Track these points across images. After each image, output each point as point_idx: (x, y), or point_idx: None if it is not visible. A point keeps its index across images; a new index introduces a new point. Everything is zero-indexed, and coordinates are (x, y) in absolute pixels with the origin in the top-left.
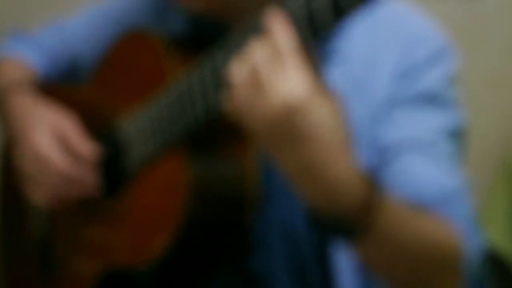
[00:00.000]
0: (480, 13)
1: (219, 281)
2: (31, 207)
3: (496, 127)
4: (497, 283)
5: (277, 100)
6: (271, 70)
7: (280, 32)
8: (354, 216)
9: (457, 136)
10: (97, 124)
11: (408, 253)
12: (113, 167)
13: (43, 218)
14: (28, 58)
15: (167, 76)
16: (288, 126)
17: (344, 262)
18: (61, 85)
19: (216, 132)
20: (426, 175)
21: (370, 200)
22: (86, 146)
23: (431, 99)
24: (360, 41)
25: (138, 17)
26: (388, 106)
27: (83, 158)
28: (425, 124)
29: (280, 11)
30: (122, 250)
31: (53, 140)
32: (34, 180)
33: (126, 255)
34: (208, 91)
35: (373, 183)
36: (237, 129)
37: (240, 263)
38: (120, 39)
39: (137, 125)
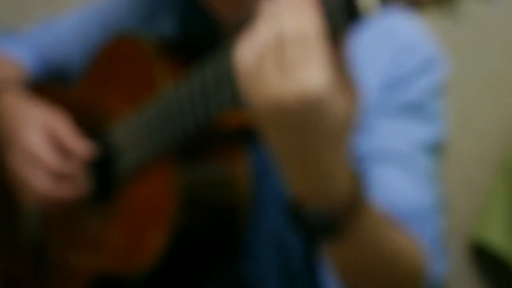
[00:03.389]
0: (480, 13)
1: None
2: (23, 209)
3: (496, 127)
4: (497, 283)
5: (297, 87)
6: (297, 52)
7: (309, 14)
8: (339, 213)
9: (436, 151)
10: (86, 127)
11: (377, 263)
12: (103, 172)
13: (35, 220)
14: (19, 56)
15: (157, 82)
16: (299, 116)
17: (332, 273)
18: (50, 85)
19: (208, 139)
20: (399, 189)
21: (357, 199)
22: (78, 145)
23: (415, 111)
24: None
25: (128, 20)
26: (371, 115)
27: (75, 157)
28: (405, 136)
29: None
30: (113, 257)
31: (44, 139)
32: (25, 179)
33: (117, 263)
34: (196, 105)
35: (362, 183)
36: (229, 136)
37: (231, 272)
38: (109, 42)
39: (127, 131)
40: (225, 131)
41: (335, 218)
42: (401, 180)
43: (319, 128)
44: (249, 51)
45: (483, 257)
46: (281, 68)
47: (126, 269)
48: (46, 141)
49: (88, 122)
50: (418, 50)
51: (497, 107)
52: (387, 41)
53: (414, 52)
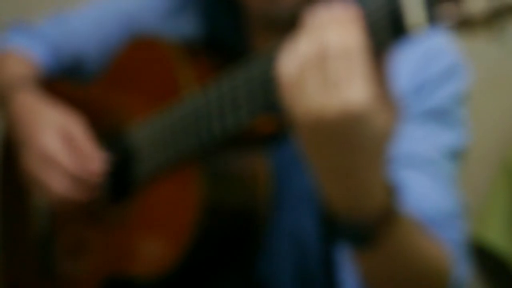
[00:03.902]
0: None
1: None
2: (32, 208)
3: (496, 127)
4: (497, 283)
5: (339, 102)
6: (340, 66)
7: (352, 29)
8: (373, 224)
9: (458, 156)
10: (104, 128)
11: (406, 271)
12: (119, 174)
13: (44, 220)
14: (32, 51)
15: (180, 87)
16: (340, 130)
17: (350, 273)
18: (66, 82)
19: (229, 144)
20: (423, 194)
21: (391, 211)
22: (94, 148)
23: (439, 116)
24: None
25: (148, 19)
26: None
27: (91, 160)
28: (429, 142)
29: (357, 8)
30: (129, 260)
31: (60, 141)
32: (40, 181)
33: (133, 266)
34: (225, 110)
35: (396, 196)
36: (252, 139)
37: (247, 271)
38: (131, 43)
39: (148, 134)
40: (250, 135)
41: (369, 229)
42: (425, 185)
43: (359, 143)
44: (292, 63)
45: (483, 257)
46: (324, 82)
47: (141, 273)
48: (62, 144)
49: (105, 123)
50: (442, 57)
51: (497, 107)
52: (412, 48)
53: (439, 59)
